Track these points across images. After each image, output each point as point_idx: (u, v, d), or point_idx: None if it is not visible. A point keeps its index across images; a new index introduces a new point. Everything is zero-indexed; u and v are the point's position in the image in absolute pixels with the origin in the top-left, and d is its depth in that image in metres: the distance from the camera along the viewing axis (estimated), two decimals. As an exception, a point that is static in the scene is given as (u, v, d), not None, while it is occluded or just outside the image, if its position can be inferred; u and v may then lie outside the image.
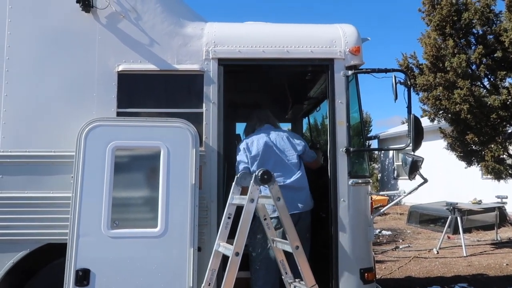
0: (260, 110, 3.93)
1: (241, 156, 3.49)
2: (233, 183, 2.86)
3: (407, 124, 3.38)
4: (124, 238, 2.90)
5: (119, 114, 3.21)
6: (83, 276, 2.78)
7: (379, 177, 21.42)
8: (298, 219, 3.33)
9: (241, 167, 3.45)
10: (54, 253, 3.02)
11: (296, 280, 2.89)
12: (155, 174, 2.98)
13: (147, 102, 3.37)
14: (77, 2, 3.15)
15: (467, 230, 9.58)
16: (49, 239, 3.02)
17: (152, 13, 3.32)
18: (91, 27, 3.25)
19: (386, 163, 20.92)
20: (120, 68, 3.24)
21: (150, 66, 3.27)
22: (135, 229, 2.95)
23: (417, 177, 3.38)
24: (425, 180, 3.36)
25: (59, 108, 3.18)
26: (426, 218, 11.39)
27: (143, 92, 3.37)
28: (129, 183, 3.07)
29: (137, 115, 3.25)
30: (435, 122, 8.89)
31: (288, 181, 3.40)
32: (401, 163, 3.60)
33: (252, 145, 3.50)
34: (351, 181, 3.32)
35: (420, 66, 8.70)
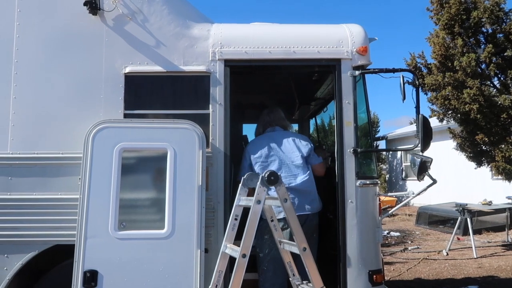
0: (272, 110, 3.84)
1: (244, 158, 3.51)
2: (240, 185, 2.85)
3: (415, 124, 3.35)
4: (131, 240, 2.90)
5: (126, 115, 3.22)
6: (91, 277, 2.79)
7: (387, 178, 21.27)
8: (305, 221, 3.31)
9: (243, 169, 3.46)
10: (62, 254, 3.04)
11: (304, 282, 2.87)
12: (162, 175, 2.99)
13: (154, 103, 3.38)
14: (84, 4, 3.17)
15: (477, 232, 9.46)
16: (57, 241, 3.04)
17: (159, 15, 3.33)
18: (98, 29, 3.27)
19: (394, 163, 20.78)
20: (127, 70, 3.25)
21: (157, 68, 3.28)
22: (142, 231, 2.96)
23: (426, 178, 3.35)
24: (434, 181, 3.32)
25: (66, 110, 3.20)
26: (435, 219, 11.28)
27: (150, 93, 3.38)
28: (136, 185, 3.07)
29: (144, 117, 3.26)
30: (444, 122, 8.81)
31: (294, 183, 3.38)
32: (409, 164, 3.56)
33: (256, 146, 3.50)
34: (359, 182, 3.29)
35: (429, 66, 8.64)
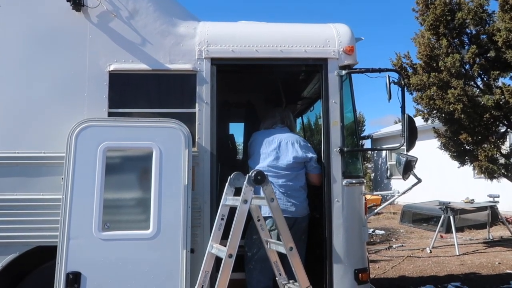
0: (285, 110, 3.98)
1: (250, 145, 3.66)
2: (226, 184, 2.83)
3: (400, 123, 3.38)
4: (116, 240, 2.86)
5: (110, 114, 3.16)
6: (74, 279, 2.74)
7: (372, 177, 21.50)
8: (293, 224, 3.33)
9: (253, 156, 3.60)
10: (44, 256, 2.97)
11: (290, 281, 2.87)
12: (147, 175, 2.95)
13: (139, 102, 3.33)
14: (67, 0, 3.10)
15: (459, 229, 9.63)
16: (39, 242, 2.97)
17: (144, 12, 3.28)
18: (82, 26, 3.20)
19: (379, 162, 21.01)
20: (112, 67, 3.19)
21: (142, 66, 3.23)
22: (127, 231, 2.91)
23: (411, 177, 3.38)
24: (419, 180, 3.35)
25: (49, 108, 3.13)
26: (419, 217, 11.45)
27: (135, 92, 3.33)
28: (120, 185, 3.03)
29: (129, 115, 3.21)
30: (429, 121, 8.92)
31: (275, 183, 3.39)
32: (395, 163, 3.59)
33: (256, 139, 3.62)
34: (345, 181, 3.31)
35: (414, 66, 8.72)
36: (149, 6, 3.29)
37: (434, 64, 7.99)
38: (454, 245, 8.13)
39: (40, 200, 3.00)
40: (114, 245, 2.84)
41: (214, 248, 2.74)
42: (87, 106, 3.15)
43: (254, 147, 3.61)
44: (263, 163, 3.46)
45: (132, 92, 3.32)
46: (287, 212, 3.31)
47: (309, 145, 3.64)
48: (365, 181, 3.61)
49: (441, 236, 9.39)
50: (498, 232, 10.14)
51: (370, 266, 3.98)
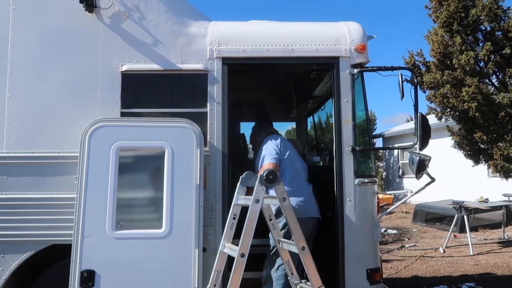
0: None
1: (272, 148, 3.43)
2: (238, 183, 2.84)
3: (412, 122, 3.36)
4: (129, 239, 2.89)
5: (123, 114, 3.19)
6: (88, 277, 2.77)
7: (384, 176, 21.32)
8: (316, 222, 3.41)
9: (270, 158, 3.39)
10: (59, 254, 3.02)
11: (303, 281, 2.87)
12: (160, 174, 2.97)
13: (151, 102, 3.36)
14: (80, 2, 3.14)
15: (473, 229, 9.49)
16: (53, 240, 3.02)
17: (156, 12, 3.30)
18: (95, 27, 3.24)
19: (391, 161, 20.82)
20: (124, 68, 3.22)
21: (154, 66, 3.25)
22: (140, 230, 2.94)
23: (424, 175, 3.34)
24: (433, 179, 3.31)
25: (63, 108, 3.17)
26: (432, 216, 11.31)
27: (147, 92, 3.35)
28: (133, 184, 3.05)
29: (141, 115, 3.24)
30: (443, 120, 8.81)
31: (309, 188, 3.53)
32: (408, 162, 3.56)
33: (284, 143, 3.54)
34: (357, 180, 3.29)
35: (427, 64, 8.63)
36: (161, 7, 3.31)
37: (448, 62, 7.89)
38: (468, 245, 8.01)
39: (55, 199, 3.04)
40: (127, 244, 2.87)
41: (226, 247, 2.75)
42: (100, 106, 3.18)
43: (288, 149, 3.50)
44: (301, 164, 3.56)
45: (144, 92, 3.35)
46: (315, 212, 3.40)
47: None
48: (377, 180, 3.58)
49: (455, 236, 9.26)
50: (513, 231, 9.97)
51: (382, 266, 3.96)
